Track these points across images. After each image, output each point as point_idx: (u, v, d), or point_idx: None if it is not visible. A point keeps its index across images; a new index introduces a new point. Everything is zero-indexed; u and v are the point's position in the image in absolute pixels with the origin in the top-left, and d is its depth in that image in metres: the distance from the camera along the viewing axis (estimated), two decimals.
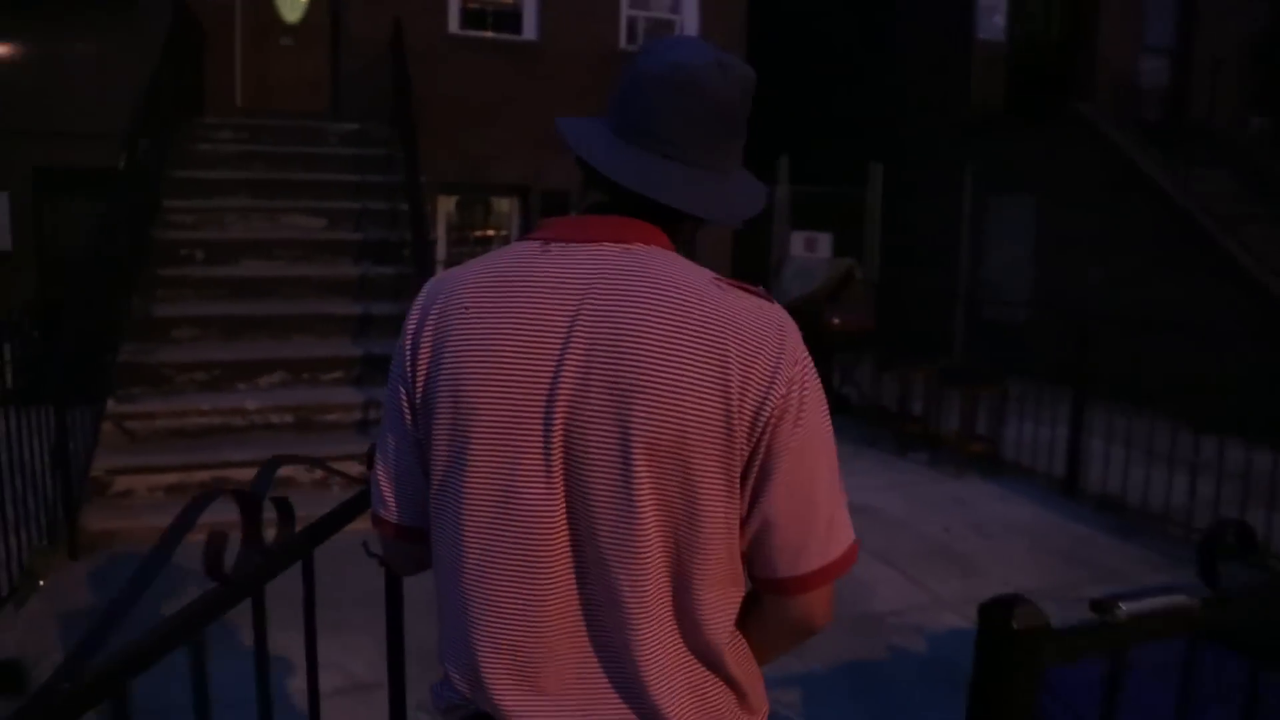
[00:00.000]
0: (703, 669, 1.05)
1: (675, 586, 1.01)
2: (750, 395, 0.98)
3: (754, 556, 1.05)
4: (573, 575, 1.02)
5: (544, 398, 0.99)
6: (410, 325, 1.10)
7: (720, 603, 1.04)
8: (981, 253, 10.89)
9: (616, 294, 1.00)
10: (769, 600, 1.08)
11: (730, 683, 1.07)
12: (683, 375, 0.96)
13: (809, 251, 10.57)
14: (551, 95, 8.51)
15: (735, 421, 0.97)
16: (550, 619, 1.02)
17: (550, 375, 0.99)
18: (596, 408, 0.98)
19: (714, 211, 1.09)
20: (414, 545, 1.17)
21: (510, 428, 1.00)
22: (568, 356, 0.99)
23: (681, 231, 1.10)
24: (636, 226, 1.05)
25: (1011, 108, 10.74)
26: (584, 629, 1.03)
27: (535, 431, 1.00)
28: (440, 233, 9.12)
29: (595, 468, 0.98)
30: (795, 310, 6.62)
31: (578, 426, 0.98)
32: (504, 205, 9.71)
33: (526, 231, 1.35)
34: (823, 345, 7.26)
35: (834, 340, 7.16)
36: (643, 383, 0.96)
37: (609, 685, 1.03)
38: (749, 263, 10.88)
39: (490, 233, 9.74)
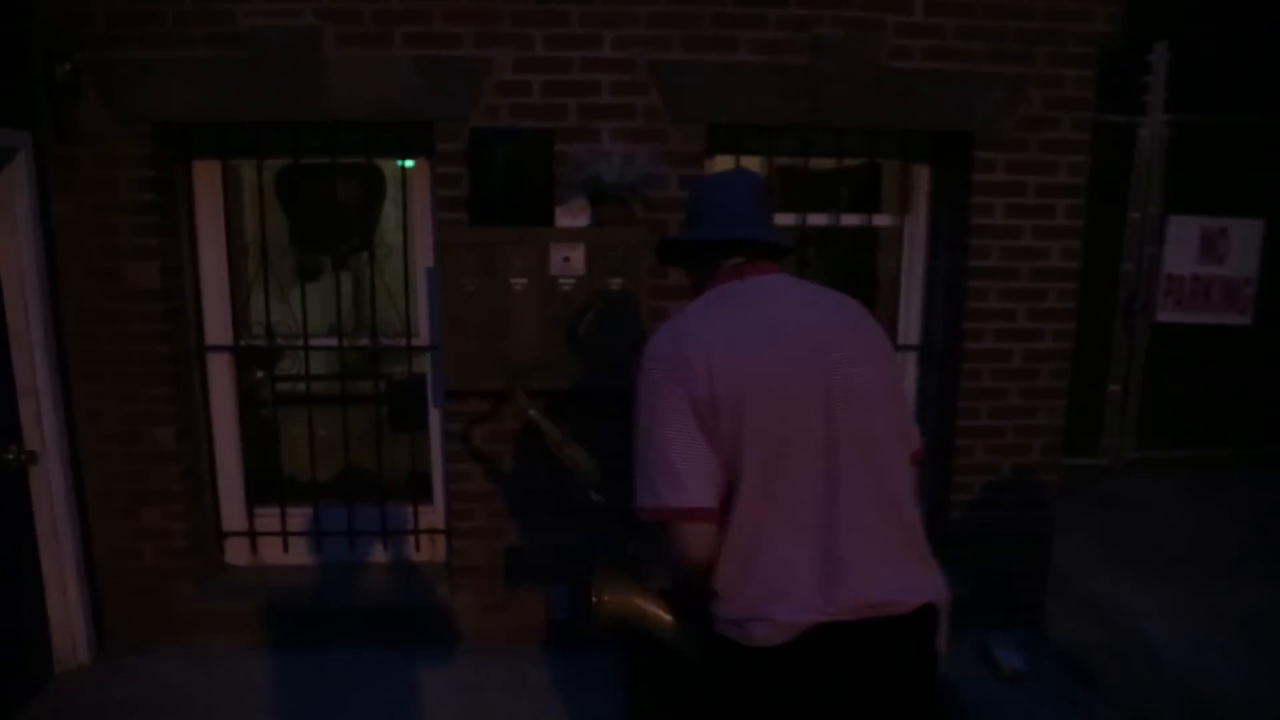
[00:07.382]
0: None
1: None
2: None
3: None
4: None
5: (816, 363, 1.59)
6: (696, 355, 1.56)
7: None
8: None
9: (804, 296, 1.71)
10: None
11: None
12: (859, 330, 1.67)
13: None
14: None
15: (887, 338, 1.74)
16: (878, 505, 1.58)
17: (813, 346, 1.61)
18: (849, 361, 1.60)
19: (785, 243, 1.81)
20: (713, 526, 1.55)
21: (810, 390, 1.57)
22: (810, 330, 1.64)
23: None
24: (773, 264, 1.78)
25: None
26: (883, 506, 1.59)
27: (821, 389, 1.57)
28: None
29: (855, 397, 1.58)
30: None
31: (841, 376, 1.58)
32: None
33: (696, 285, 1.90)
34: None
35: None
36: (849, 339, 1.64)
37: (899, 532, 1.60)
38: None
39: None
